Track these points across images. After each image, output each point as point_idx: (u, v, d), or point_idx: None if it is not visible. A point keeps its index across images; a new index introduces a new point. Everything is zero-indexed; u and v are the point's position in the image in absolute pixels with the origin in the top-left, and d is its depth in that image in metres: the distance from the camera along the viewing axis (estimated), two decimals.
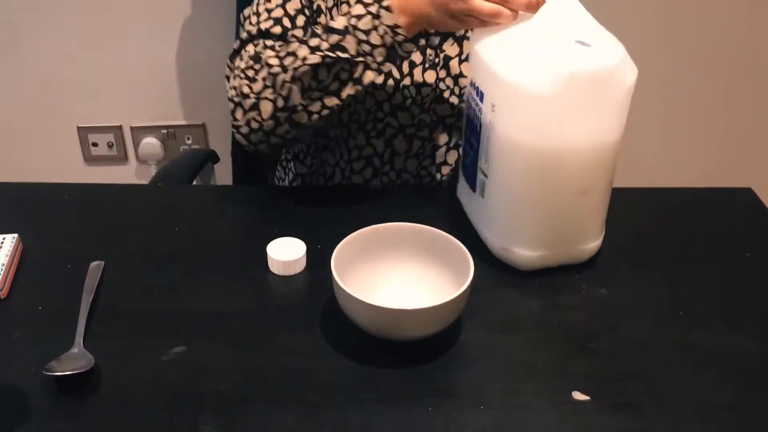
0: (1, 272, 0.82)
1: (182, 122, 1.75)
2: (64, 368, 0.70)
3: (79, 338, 0.75)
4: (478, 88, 0.82)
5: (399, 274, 0.83)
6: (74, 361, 0.72)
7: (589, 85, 0.75)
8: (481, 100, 0.81)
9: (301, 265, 0.87)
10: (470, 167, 0.87)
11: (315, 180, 1.11)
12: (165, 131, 1.76)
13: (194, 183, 1.28)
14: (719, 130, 1.82)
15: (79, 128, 1.76)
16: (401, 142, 1.05)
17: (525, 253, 0.85)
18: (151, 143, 1.76)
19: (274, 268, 0.86)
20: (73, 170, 1.83)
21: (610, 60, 0.76)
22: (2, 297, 0.81)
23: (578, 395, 0.71)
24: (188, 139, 1.77)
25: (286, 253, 0.86)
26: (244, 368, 0.74)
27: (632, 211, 1.00)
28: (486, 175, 0.84)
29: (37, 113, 1.74)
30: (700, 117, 1.80)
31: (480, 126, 0.82)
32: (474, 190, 0.88)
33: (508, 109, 0.79)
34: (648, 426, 0.68)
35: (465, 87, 1.00)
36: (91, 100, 1.72)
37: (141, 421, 0.68)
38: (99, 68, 1.67)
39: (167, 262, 0.89)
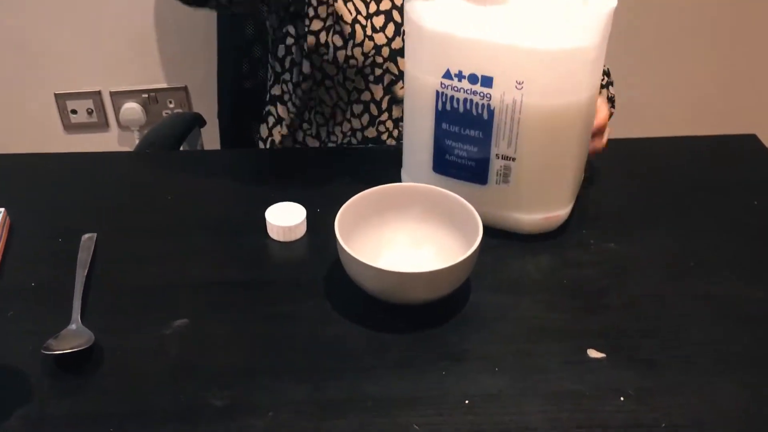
0: None
1: (163, 85, 1.70)
2: (63, 346, 0.67)
3: (76, 314, 0.72)
4: (477, 76, 0.75)
5: (404, 236, 0.81)
6: (73, 338, 0.69)
7: (605, 25, 0.73)
8: (488, 86, 0.75)
9: (301, 231, 0.84)
10: (476, 162, 0.80)
11: (311, 129, 1.08)
12: (146, 95, 1.71)
13: (182, 148, 1.24)
14: (719, 76, 1.80)
15: (56, 95, 1.71)
16: (400, 90, 1.02)
17: (562, 212, 0.84)
18: (132, 108, 1.71)
19: (273, 234, 0.84)
20: (53, 139, 1.78)
21: None
22: None
23: (593, 353, 0.70)
24: (170, 102, 1.72)
25: (285, 218, 0.83)
26: (249, 339, 0.72)
27: (635, 162, 0.99)
28: (513, 159, 0.78)
29: (11, 80, 1.68)
30: (699, 63, 1.78)
31: (490, 113, 0.76)
32: (485, 183, 0.81)
33: (542, 79, 0.73)
34: (665, 381, 0.67)
35: None
36: (67, 65, 1.66)
37: (146, 397, 0.66)
38: (74, 31, 1.61)
39: (162, 231, 0.86)
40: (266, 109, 1.14)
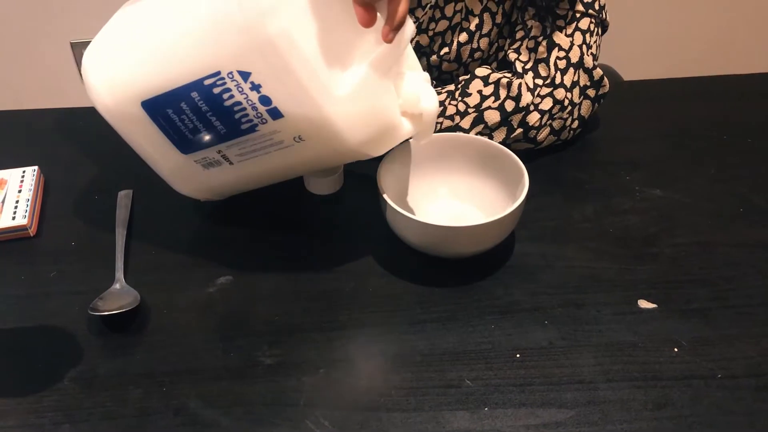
0: (27, 209, 0.78)
1: None
2: (110, 307, 0.67)
3: (119, 273, 0.72)
4: (270, 100, 0.62)
5: (444, 187, 0.79)
6: (119, 298, 0.69)
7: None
8: (273, 117, 0.63)
9: (339, 183, 0.82)
10: (194, 139, 0.67)
11: None
12: None
13: None
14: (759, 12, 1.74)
15: (72, 44, 1.68)
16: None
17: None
18: None
19: (311, 186, 0.82)
20: (70, 89, 1.75)
21: None
22: (32, 234, 0.77)
23: (644, 303, 0.69)
24: None
25: (323, 170, 0.81)
26: (295, 294, 0.71)
27: (674, 103, 0.96)
28: (231, 163, 0.69)
29: (26, 29, 1.65)
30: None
31: (250, 130, 0.65)
32: (186, 153, 0.70)
33: (316, 143, 0.65)
34: (719, 331, 0.66)
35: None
36: (83, 13, 1.62)
37: (196, 356, 0.66)
38: None
39: None
40: None
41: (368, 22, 0.59)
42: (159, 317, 0.69)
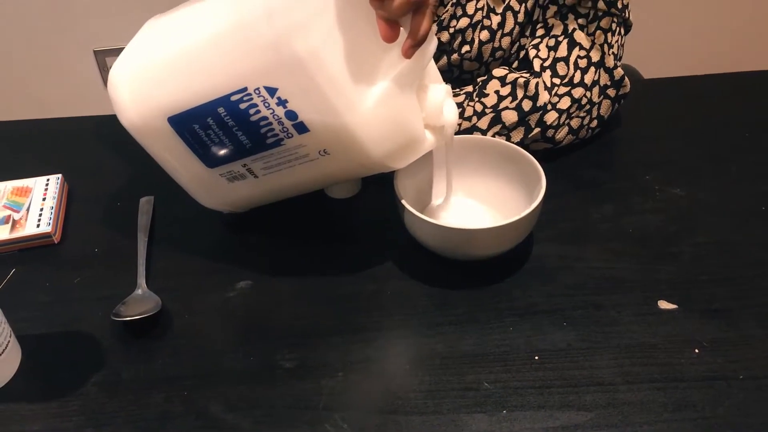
0: (51, 216, 0.79)
1: None
2: (132, 312, 0.68)
3: (141, 279, 0.73)
4: (296, 115, 0.62)
5: (461, 189, 0.79)
6: (141, 303, 0.70)
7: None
8: (299, 131, 0.63)
9: (357, 186, 0.83)
10: (219, 154, 0.68)
11: None
12: None
13: None
14: None
15: (95, 52, 1.70)
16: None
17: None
18: None
19: (329, 190, 0.83)
20: (93, 96, 1.78)
21: None
22: (56, 241, 0.79)
23: (664, 304, 0.69)
24: None
25: None
26: (313, 298, 0.72)
27: (695, 101, 0.95)
28: (256, 176, 0.70)
29: (49, 37, 1.68)
30: None
31: (275, 144, 0.65)
32: (210, 167, 0.70)
33: (341, 156, 0.66)
34: (741, 331, 0.66)
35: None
36: (106, 19, 1.65)
37: (216, 360, 0.66)
38: None
39: None
40: None
41: (390, 37, 0.59)
42: (180, 322, 0.70)
